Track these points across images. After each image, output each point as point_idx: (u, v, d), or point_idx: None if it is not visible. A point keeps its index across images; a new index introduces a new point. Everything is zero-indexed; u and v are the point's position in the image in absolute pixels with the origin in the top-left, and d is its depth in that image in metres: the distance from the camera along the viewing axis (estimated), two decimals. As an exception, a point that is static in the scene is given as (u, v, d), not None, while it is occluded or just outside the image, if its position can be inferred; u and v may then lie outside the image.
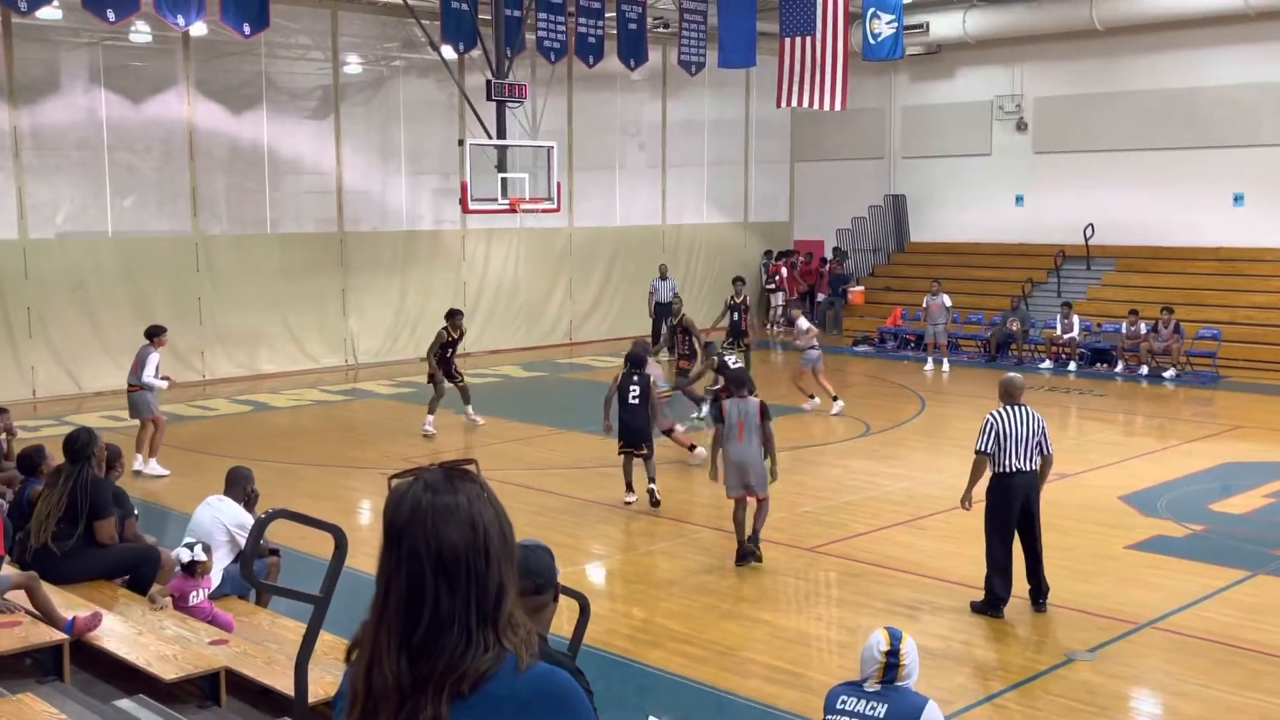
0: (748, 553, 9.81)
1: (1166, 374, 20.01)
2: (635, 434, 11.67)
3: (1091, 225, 23.88)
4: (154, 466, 13.35)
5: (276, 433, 16.06)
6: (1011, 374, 8.92)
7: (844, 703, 4.44)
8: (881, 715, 4.31)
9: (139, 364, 13.25)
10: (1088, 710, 7.07)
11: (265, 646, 6.41)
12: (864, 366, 22.25)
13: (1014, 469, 8.41)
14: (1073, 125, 24.79)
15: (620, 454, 11.90)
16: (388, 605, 2.09)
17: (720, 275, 27.62)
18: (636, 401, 11.63)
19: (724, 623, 8.64)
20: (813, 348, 16.79)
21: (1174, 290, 21.75)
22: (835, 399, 16.56)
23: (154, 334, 13.47)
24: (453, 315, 16.31)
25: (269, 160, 20.59)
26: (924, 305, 21.47)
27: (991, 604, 8.59)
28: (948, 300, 21.17)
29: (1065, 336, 21.36)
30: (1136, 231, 23.63)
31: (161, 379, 13.34)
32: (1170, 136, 23.31)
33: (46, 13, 16.18)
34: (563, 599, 3.84)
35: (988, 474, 8.61)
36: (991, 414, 8.50)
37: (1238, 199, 22.76)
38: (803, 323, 17.26)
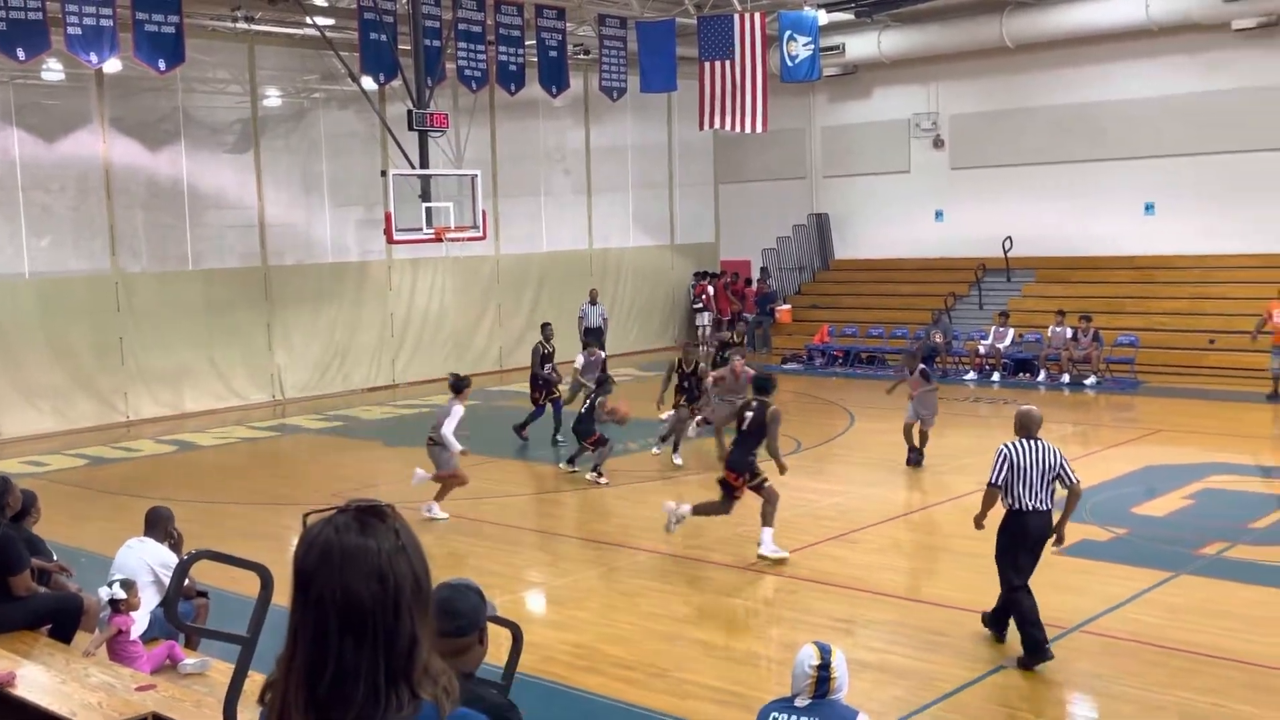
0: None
1: (1087, 381, 20.45)
2: None
3: (1010, 238, 24.37)
4: (434, 510, 12.41)
5: (203, 472, 15.81)
6: (1028, 406, 8.40)
7: (776, 719, 4.48)
8: (814, 730, 4.36)
9: (441, 418, 12.37)
10: (1022, 716, 7.19)
11: (194, 690, 6.30)
12: (793, 384, 22.43)
13: (1029, 507, 7.94)
14: (987, 141, 25.32)
15: None
16: (295, 654, 2.00)
17: (650, 298, 27.76)
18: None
19: (662, 644, 8.65)
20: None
21: (1092, 299, 22.27)
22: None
23: (458, 387, 12.58)
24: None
25: (189, 195, 20.33)
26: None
27: (1033, 651, 7.88)
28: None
29: (1000, 346, 21.76)
30: (1054, 243, 24.15)
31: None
32: (1082, 149, 23.89)
33: (-47, 52, 15.86)
34: (497, 629, 3.84)
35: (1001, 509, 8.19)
36: (1005, 445, 8.06)
37: (1149, 208, 23.38)
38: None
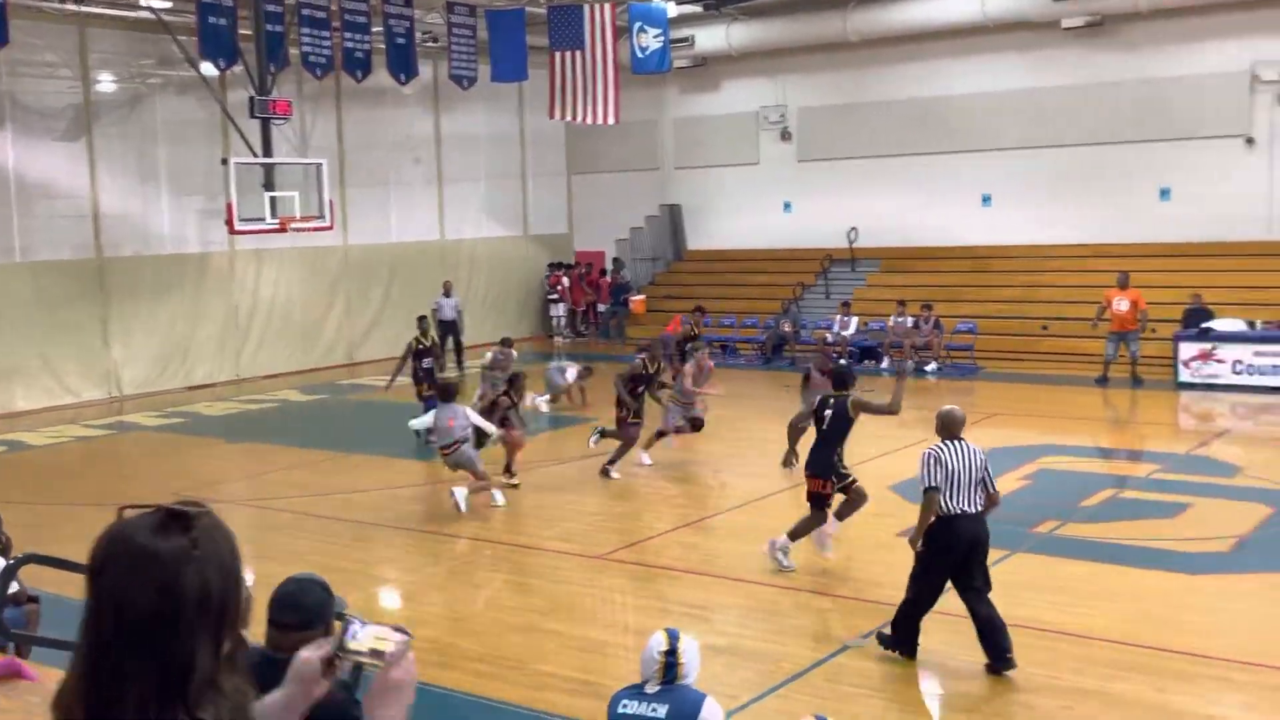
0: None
1: (929, 367, 21.12)
2: None
3: (855, 229, 25.00)
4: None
5: (35, 472, 15.13)
6: (950, 406, 7.93)
7: (625, 706, 4.52)
8: (662, 715, 4.40)
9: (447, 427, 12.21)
10: (865, 693, 7.40)
11: (25, 700, 6.03)
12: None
13: (958, 510, 7.53)
14: (833, 134, 25.88)
15: None
16: (79, 659, 1.89)
17: (504, 289, 27.59)
18: None
19: (517, 637, 8.63)
20: None
21: (933, 288, 22.98)
22: None
23: (451, 393, 12.62)
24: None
25: (15, 184, 19.38)
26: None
27: (900, 642, 7.83)
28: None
29: (845, 334, 22.31)
30: (897, 233, 24.84)
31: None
32: (923, 142, 24.63)
33: None
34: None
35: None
36: (933, 447, 7.65)
37: (986, 200, 24.24)
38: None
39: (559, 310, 27.42)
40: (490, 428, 12.54)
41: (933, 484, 7.50)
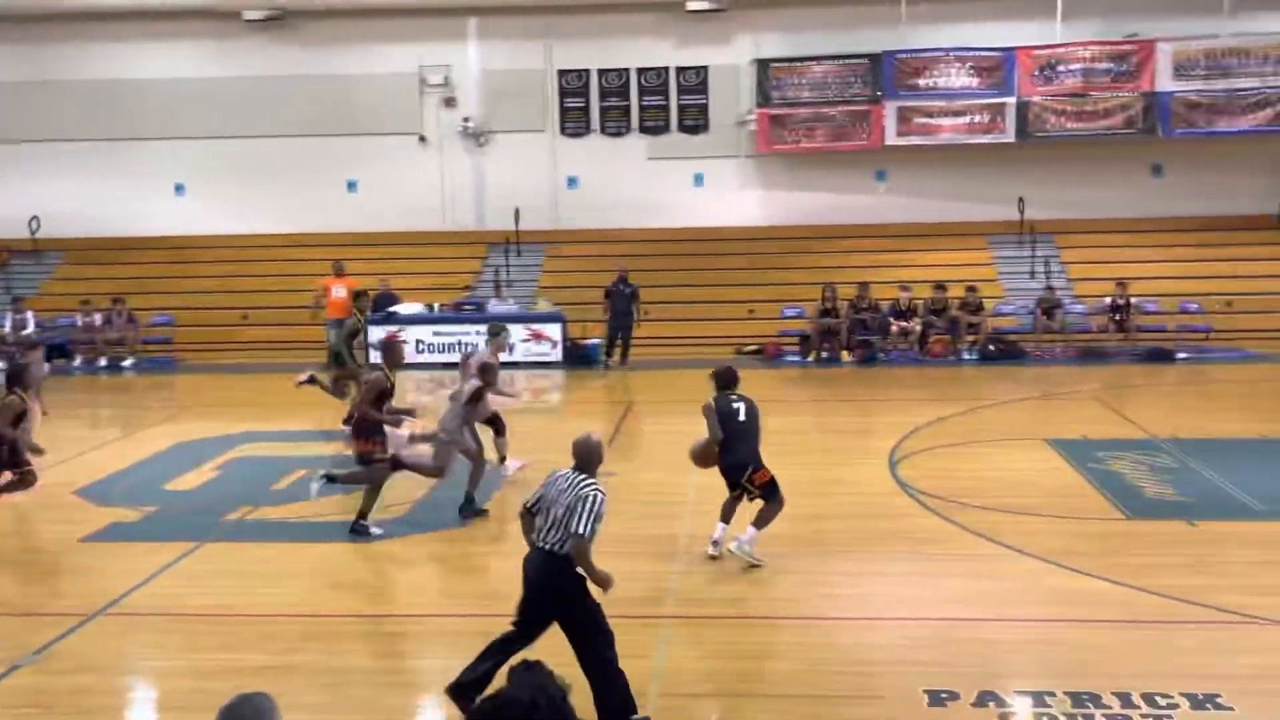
0: None
1: (125, 363, 20.36)
2: None
3: (37, 218, 23.27)
4: None
5: None
6: (584, 434, 6.93)
7: None
8: None
9: None
10: (35, 712, 7.00)
11: None
12: None
13: (540, 543, 6.62)
14: (9, 113, 23.77)
15: None
16: None
17: None
18: None
19: None
20: None
21: (127, 280, 22.22)
22: None
23: None
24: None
25: None
26: None
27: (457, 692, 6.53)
28: None
29: (20, 334, 20.61)
30: (86, 223, 23.60)
31: None
32: (110, 127, 23.61)
33: None
34: None
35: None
36: (557, 471, 6.85)
37: (179, 189, 23.88)
38: None
39: None
40: None
41: (525, 504, 6.86)
